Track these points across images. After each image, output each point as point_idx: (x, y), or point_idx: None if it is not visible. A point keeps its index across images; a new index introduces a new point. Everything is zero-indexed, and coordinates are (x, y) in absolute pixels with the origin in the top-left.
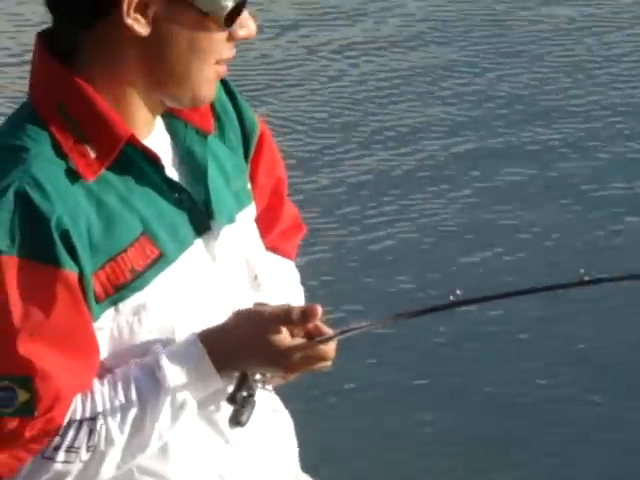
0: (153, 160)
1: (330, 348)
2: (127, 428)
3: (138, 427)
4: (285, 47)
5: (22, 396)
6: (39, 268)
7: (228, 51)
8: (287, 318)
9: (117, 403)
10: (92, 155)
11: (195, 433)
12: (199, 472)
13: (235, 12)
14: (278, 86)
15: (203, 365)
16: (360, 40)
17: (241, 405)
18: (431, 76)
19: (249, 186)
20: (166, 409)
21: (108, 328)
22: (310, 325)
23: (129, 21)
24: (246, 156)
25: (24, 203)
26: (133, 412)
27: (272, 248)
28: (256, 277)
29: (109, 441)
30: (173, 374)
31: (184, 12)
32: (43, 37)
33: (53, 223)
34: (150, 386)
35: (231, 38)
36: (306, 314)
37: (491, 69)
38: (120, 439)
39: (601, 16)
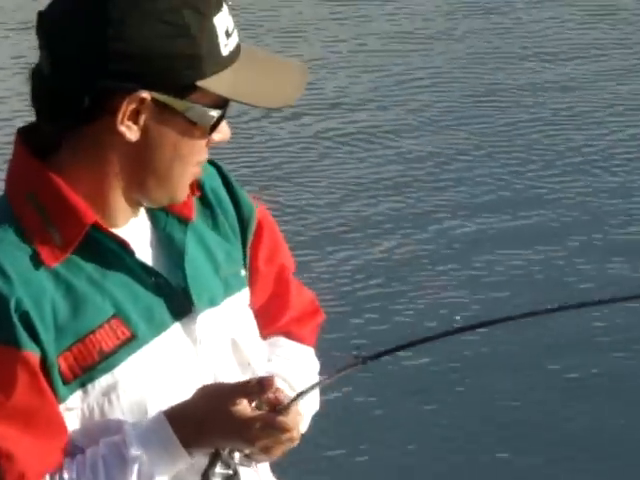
0: (122, 245)
1: (290, 418)
2: None
3: None
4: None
5: None
6: (1, 351)
7: (204, 154)
8: (245, 390)
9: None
10: (57, 241)
11: None
12: None
13: (219, 121)
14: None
15: (170, 443)
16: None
17: None
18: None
19: (243, 272)
20: None
21: (78, 409)
22: (271, 396)
23: (122, 128)
24: (245, 242)
25: None
26: None
27: (286, 333)
28: (249, 364)
29: None
30: (139, 452)
31: (173, 120)
32: (23, 133)
33: (12, 305)
34: (117, 464)
35: (208, 142)
36: (262, 385)
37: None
38: None
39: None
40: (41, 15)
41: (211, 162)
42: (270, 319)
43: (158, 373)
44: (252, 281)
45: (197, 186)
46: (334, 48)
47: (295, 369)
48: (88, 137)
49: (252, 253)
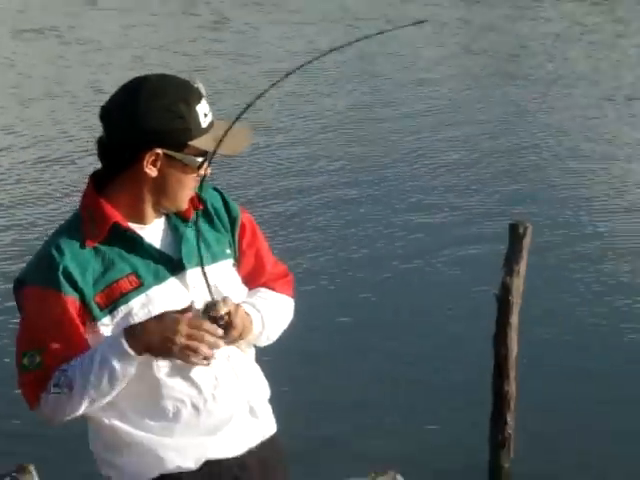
0: (135, 234)
1: (211, 327)
2: (84, 374)
3: (86, 374)
4: None
5: (37, 359)
6: (49, 292)
7: (195, 182)
8: (181, 310)
9: (84, 362)
10: (96, 233)
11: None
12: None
13: (203, 164)
14: None
15: (121, 346)
16: None
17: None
18: None
19: (228, 251)
20: (101, 367)
21: (110, 325)
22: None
23: (147, 170)
24: (234, 233)
25: (49, 259)
26: (86, 365)
27: (263, 285)
28: (225, 298)
29: (76, 380)
30: (104, 350)
31: (176, 164)
32: (93, 176)
33: (60, 268)
34: (92, 353)
35: (197, 175)
36: (185, 308)
37: None
38: (80, 380)
39: None
40: (102, 107)
41: (216, 189)
42: (252, 281)
43: (159, 305)
44: (239, 259)
45: (200, 202)
46: None
47: (262, 301)
48: (127, 176)
49: (238, 240)
